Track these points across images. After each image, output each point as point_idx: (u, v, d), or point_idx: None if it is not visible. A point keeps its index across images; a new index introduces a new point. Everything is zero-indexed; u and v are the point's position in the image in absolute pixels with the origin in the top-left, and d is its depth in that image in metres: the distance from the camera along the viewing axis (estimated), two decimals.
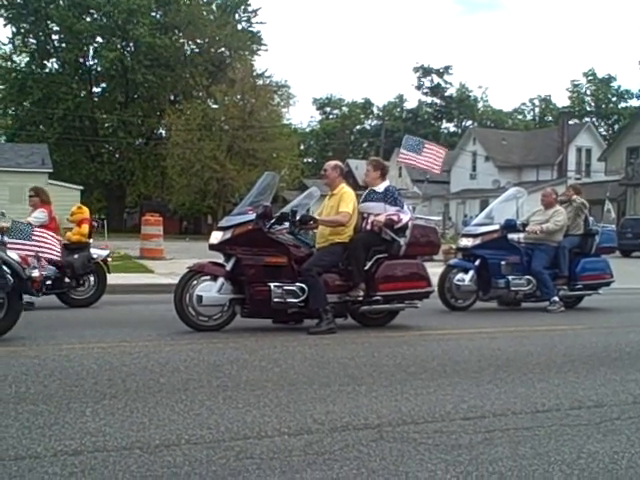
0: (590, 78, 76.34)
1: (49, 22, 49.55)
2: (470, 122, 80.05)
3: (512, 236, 10.25)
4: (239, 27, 52.93)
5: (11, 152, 40.56)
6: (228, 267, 7.31)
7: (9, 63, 51.41)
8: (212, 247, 7.52)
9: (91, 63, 51.96)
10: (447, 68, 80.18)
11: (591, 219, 10.91)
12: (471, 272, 9.81)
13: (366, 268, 7.69)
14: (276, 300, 7.21)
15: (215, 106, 47.62)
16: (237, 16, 53.43)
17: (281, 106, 49.08)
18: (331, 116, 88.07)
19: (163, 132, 51.92)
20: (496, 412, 4.32)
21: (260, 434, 3.77)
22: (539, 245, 10.20)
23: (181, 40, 51.73)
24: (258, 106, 44.69)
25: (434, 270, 10.34)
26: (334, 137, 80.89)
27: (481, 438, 3.78)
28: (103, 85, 52.96)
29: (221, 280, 7.25)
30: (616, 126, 72.17)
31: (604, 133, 69.12)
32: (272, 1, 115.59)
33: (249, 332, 7.31)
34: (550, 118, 78.93)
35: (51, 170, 40.20)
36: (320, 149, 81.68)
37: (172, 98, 52.60)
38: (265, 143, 44.45)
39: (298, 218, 7.65)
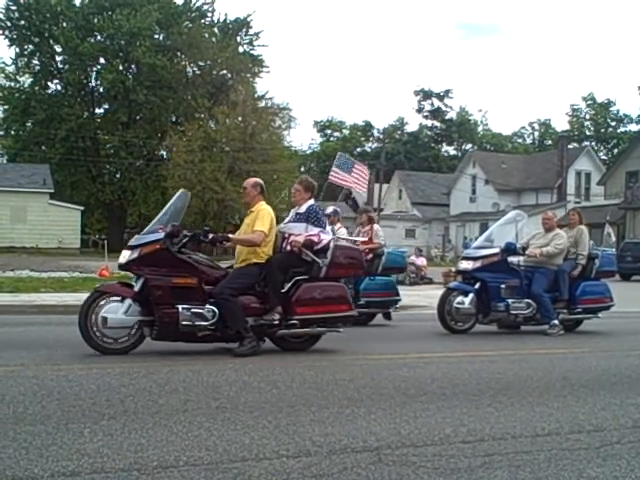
0: (589, 102, 76.91)
1: (53, 43, 49.93)
2: (470, 145, 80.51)
3: (512, 259, 10.26)
4: (241, 50, 53.28)
5: (13, 172, 40.82)
6: (136, 288, 7.04)
7: (13, 83, 51.72)
8: (120, 266, 7.25)
9: (94, 84, 52.26)
10: (447, 92, 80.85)
11: (591, 243, 10.92)
12: (471, 295, 9.80)
13: (284, 290, 7.46)
14: (184, 323, 6.94)
15: (216, 128, 47.80)
16: (239, 39, 53.82)
17: (282, 128, 49.31)
18: (332, 138, 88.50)
19: (164, 153, 52.09)
20: (495, 436, 4.30)
21: (258, 456, 3.75)
22: (539, 268, 10.20)
23: (183, 62, 52.10)
24: (259, 128, 44.86)
25: (434, 292, 10.33)
26: (334, 159, 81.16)
27: (480, 462, 3.77)
28: (106, 106, 53.21)
29: (128, 301, 6.95)
30: (615, 150, 72.54)
31: (603, 157, 69.44)
32: (274, 24, 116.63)
33: None
34: (549, 142, 79.33)
35: (52, 190, 40.44)
36: (320, 171, 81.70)
37: (174, 119, 52.82)
38: (266, 165, 44.51)
39: (210, 237, 7.45)
